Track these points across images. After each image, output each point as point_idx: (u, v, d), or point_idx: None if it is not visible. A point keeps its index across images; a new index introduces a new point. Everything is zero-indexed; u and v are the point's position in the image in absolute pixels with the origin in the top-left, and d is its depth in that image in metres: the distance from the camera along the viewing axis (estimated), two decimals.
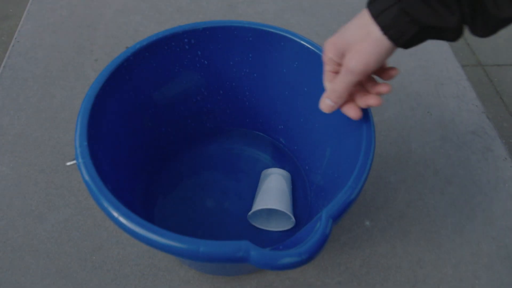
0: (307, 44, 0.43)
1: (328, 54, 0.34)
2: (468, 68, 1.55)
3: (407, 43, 0.30)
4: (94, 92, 0.37)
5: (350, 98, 0.37)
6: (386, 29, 0.29)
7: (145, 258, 0.49)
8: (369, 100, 0.35)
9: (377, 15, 0.29)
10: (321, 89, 0.44)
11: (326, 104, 0.36)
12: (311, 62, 0.43)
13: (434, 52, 0.78)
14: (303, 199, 0.52)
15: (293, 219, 0.47)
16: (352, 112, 0.36)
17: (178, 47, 0.44)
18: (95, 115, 0.36)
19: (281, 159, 0.56)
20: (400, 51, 0.71)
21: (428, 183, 0.58)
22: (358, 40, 0.31)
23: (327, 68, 0.35)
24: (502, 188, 0.59)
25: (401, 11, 0.28)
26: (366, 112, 0.37)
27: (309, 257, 0.30)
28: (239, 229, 0.49)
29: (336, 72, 0.35)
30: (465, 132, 0.65)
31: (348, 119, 0.39)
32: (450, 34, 0.29)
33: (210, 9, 0.82)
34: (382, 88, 0.35)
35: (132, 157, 0.44)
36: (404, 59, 0.76)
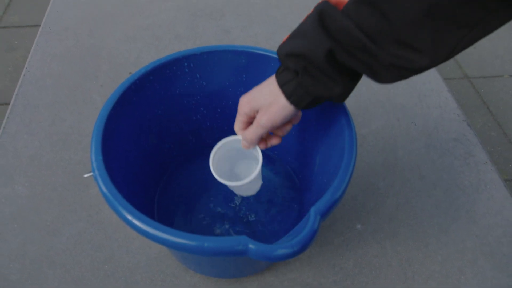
0: None
1: (244, 109, 0.42)
2: (455, 81, 1.62)
3: (307, 106, 0.40)
4: (106, 112, 0.42)
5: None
6: (288, 96, 0.38)
7: (153, 266, 0.53)
8: (272, 140, 0.47)
9: (282, 85, 0.39)
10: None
11: (243, 144, 0.46)
12: None
13: None
14: (298, 206, 0.57)
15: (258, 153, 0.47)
16: (262, 145, 0.47)
17: (179, 70, 0.49)
18: (107, 132, 0.41)
19: (278, 170, 0.61)
20: None
21: (414, 188, 0.63)
22: (268, 103, 0.40)
23: (240, 118, 0.44)
24: (484, 189, 0.63)
25: (298, 84, 0.37)
26: (348, 124, 0.42)
27: (300, 249, 0.34)
28: (239, 230, 0.53)
29: (247, 122, 0.44)
30: (447, 139, 0.70)
31: (334, 132, 0.44)
32: (338, 98, 0.39)
33: (206, 35, 0.88)
34: (276, 137, 0.47)
35: (141, 170, 0.49)
36: None
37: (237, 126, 0.45)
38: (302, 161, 0.56)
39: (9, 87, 1.58)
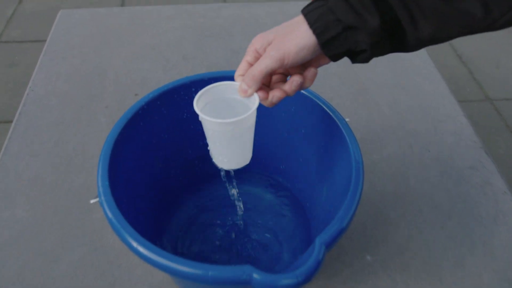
0: (303, 91, 0.52)
1: (255, 45, 0.40)
2: (475, 103, 1.65)
3: (330, 46, 0.37)
4: (113, 137, 0.46)
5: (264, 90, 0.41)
6: (312, 23, 0.36)
7: None
8: (276, 92, 0.41)
9: (307, 13, 0.37)
10: (317, 131, 0.53)
11: (241, 88, 0.41)
12: (306, 106, 0.52)
13: (431, 90, 0.88)
14: (305, 232, 0.59)
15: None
16: (261, 93, 0.41)
17: (186, 95, 0.53)
18: (114, 157, 0.45)
19: (286, 198, 0.64)
20: (397, 90, 0.79)
21: (427, 218, 0.65)
22: (285, 32, 0.37)
23: (247, 58, 0.40)
24: (502, 221, 0.65)
25: (328, 10, 0.35)
26: (355, 150, 0.45)
27: (305, 279, 0.36)
28: (244, 256, 0.56)
29: (251, 63, 0.41)
30: (463, 167, 0.73)
31: (342, 158, 0.47)
32: (366, 43, 0.36)
33: (214, 56, 0.93)
34: (280, 90, 0.40)
35: (146, 195, 0.52)
36: (402, 98, 0.86)
37: (239, 69, 0.41)
38: (309, 188, 0.59)
39: (10, 104, 1.65)
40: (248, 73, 0.40)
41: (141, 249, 0.38)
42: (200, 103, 0.44)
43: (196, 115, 0.58)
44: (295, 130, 0.56)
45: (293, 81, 0.41)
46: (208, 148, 0.47)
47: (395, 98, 0.86)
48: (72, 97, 0.84)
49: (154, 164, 0.55)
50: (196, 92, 0.54)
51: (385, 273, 0.58)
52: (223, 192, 0.64)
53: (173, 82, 0.52)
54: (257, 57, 0.40)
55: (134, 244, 0.38)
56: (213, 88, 0.44)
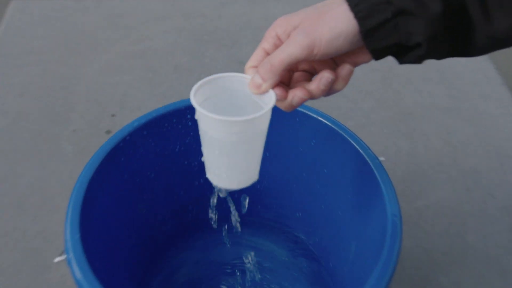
0: (325, 121, 0.56)
1: (276, 29, 0.40)
2: None
3: (375, 37, 0.37)
4: (87, 177, 0.50)
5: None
6: (355, 3, 0.36)
7: None
8: (297, 91, 0.41)
9: None
10: (344, 170, 0.56)
11: (253, 82, 0.41)
12: (330, 140, 0.56)
13: (495, 114, 0.91)
14: None
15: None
16: (278, 90, 0.41)
17: (180, 124, 0.58)
18: (88, 203, 0.48)
19: (300, 255, 0.67)
20: (452, 115, 0.82)
21: None
22: (316, 13, 0.37)
23: (264, 45, 0.41)
24: None
25: None
26: (390, 197, 0.48)
27: None
28: None
29: (268, 51, 0.41)
30: None
31: (373, 208, 0.50)
32: (423, 35, 0.36)
33: (215, 67, 0.97)
34: (302, 89, 0.41)
35: (127, 249, 0.56)
36: (457, 125, 0.89)
37: (253, 59, 0.42)
38: (332, 243, 0.62)
39: None
40: (264, 62, 0.40)
41: None
42: (199, 96, 0.43)
43: (192, 148, 0.61)
44: (316, 169, 0.60)
45: (322, 78, 0.40)
46: (202, 158, 0.47)
47: (448, 126, 0.90)
48: (28, 118, 0.88)
49: (137, 208, 0.59)
50: (192, 119, 0.59)
51: None
52: (219, 245, 0.67)
53: (164, 107, 0.57)
54: (277, 45, 0.41)
55: None
56: (217, 79, 0.44)
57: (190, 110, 0.58)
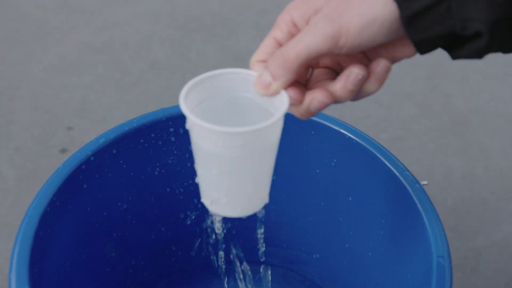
0: (349, 134, 0.58)
1: (292, 13, 0.42)
2: None
3: (419, 24, 0.39)
4: (38, 212, 0.52)
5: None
6: None
7: None
8: (317, 94, 0.42)
9: None
10: (373, 198, 0.58)
11: (261, 79, 0.43)
12: (356, 159, 0.58)
13: None
14: None
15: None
16: (292, 92, 0.43)
17: (161, 140, 0.60)
18: (40, 246, 0.50)
19: None
20: None
21: None
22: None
23: (275, 33, 0.43)
24: None
25: None
26: (436, 234, 0.50)
27: None
28: None
29: (279, 43, 0.43)
30: None
31: (413, 248, 0.52)
32: (483, 22, 0.37)
33: (204, 63, 1.00)
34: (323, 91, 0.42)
35: None
36: None
37: (260, 51, 0.44)
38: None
39: None
40: (276, 55, 0.42)
41: None
42: (191, 100, 0.44)
43: (176, 171, 0.63)
44: (338, 197, 0.61)
45: (351, 75, 0.41)
46: (196, 179, 0.48)
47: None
48: None
49: (104, 250, 0.61)
50: (176, 133, 0.61)
51: None
52: None
53: (139, 118, 0.59)
54: (293, 33, 0.43)
55: None
56: (214, 77, 0.45)
57: (174, 121, 0.60)
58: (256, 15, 1.10)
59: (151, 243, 0.64)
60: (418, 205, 0.51)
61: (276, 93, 0.43)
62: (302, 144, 0.59)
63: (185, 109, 0.41)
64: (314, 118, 0.59)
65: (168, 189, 0.62)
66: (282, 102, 0.42)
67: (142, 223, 0.63)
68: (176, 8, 1.12)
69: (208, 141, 0.43)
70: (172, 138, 0.60)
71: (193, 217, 0.67)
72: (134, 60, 1.01)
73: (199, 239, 0.68)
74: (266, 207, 0.49)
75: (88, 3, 1.13)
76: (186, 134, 0.60)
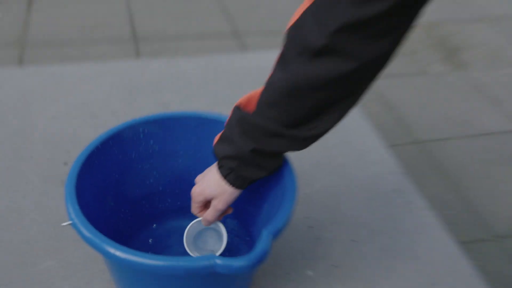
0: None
1: (199, 199, 0.75)
2: (407, 146, 2.07)
3: (249, 184, 0.73)
4: (75, 171, 0.70)
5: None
6: (232, 184, 0.72)
7: None
8: (228, 210, 0.81)
9: (225, 176, 0.72)
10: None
11: (205, 223, 0.78)
12: None
13: (355, 129, 1.20)
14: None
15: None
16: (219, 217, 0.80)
17: (135, 136, 0.78)
18: (78, 186, 0.68)
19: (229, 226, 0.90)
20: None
21: (360, 235, 0.95)
22: (219, 192, 0.73)
23: (196, 205, 0.77)
24: (423, 231, 0.95)
25: (237, 176, 0.71)
26: (288, 170, 0.73)
27: (257, 261, 0.61)
28: None
29: (202, 207, 0.77)
30: (387, 191, 1.03)
31: (279, 180, 0.74)
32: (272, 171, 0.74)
33: (144, 109, 1.21)
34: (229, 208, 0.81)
35: (104, 227, 0.75)
36: (328, 135, 1.16)
37: (195, 210, 0.79)
38: (252, 215, 0.84)
39: None
40: (207, 218, 0.76)
41: (119, 254, 0.60)
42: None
43: (143, 155, 0.80)
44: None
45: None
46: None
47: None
48: None
49: (107, 201, 0.79)
50: (143, 133, 0.79)
51: (328, 285, 0.84)
52: (171, 230, 0.87)
53: (123, 124, 0.83)
54: (203, 204, 0.77)
55: (113, 250, 0.60)
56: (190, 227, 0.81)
57: (141, 125, 0.80)
58: (174, 83, 1.36)
59: (131, 198, 0.91)
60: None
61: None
62: (213, 135, 0.78)
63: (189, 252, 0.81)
64: (218, 118, 0.78)
65: (139, 166, 0.90)
66: (220, 229, 0.81)
67: (126, 187, 0.87)
68: (125, 80, 1.35)
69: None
70: (141, 135, 0.81)
71: (153, 182, 0.84)
72: (101, 111, 1.21)
73: (157, 196, 0.85)
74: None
75: (67, 80, 1.26)
76: (148, 133, 0.78)
